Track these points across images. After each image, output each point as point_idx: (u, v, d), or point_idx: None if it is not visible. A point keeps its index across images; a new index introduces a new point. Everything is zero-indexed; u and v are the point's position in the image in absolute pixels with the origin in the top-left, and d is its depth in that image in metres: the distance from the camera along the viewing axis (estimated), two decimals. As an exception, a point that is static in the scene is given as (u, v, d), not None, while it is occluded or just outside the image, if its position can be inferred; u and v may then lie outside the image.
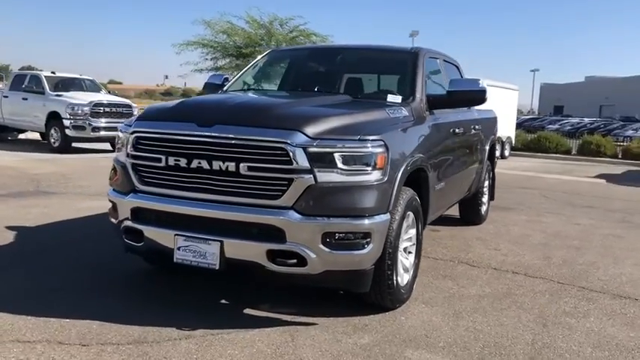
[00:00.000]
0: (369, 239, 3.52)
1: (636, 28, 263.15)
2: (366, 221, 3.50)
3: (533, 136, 22.77)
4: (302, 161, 3.38)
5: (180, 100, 4.32)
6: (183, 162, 3.60)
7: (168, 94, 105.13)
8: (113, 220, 4.07)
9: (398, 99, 4.55)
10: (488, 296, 4.49)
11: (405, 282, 4.11)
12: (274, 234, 3.44)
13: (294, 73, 5.77)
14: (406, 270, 4.16)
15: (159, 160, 3.69)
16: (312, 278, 3.57)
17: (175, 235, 3.64)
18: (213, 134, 3.52)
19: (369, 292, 3.84)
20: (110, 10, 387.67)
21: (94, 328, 3.50)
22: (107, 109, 14.43)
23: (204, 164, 3.53)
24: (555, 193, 11.13)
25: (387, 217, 3.63)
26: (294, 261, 3.46)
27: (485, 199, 7.43)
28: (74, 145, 14.57)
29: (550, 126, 43.45)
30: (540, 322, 3.98)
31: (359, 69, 5.71)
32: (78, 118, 13.93)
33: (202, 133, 3.55)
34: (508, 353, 3.44)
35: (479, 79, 4.80)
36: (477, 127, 6.31)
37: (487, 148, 7.01)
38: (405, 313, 4.01)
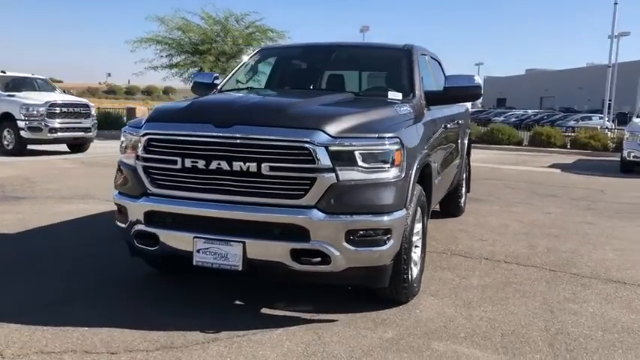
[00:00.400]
0: (389, 235, 3.58)
1: (573, 22, 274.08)
2: (386, 218, 3.56)
3: (487, 129, 23.40)
4: (324, 160, 3.39)
5: (190, 100, 4.24)
6: (201, 163, 3.55)
7: (112, 92, 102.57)
8: (121, 224, 3.96)
9: (398, 96, 4.61)
10: (490, 286, 4.63)
11: (414, 275, 4.19)
12: (298, 233, 3.45)
13: (289, 71, 5.76)
14: (415, 264, 4.24)
15: (174, 162, 3.62)
16: (334, 276, 3.60)
17: (194, 237, 3.59)
18: (232, 135, 3.49)
19: (387, 287, 3.90)
20: (44, 7, 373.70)
21: (115, 335, 3.41)
22: (64, 109, 13.93)
23: (224, 165, 3.50)
24: (518, 183, 11.51)
25: (404, 212, 3.70)
26: (319, 259, 3.48)
27: (463, 191, 7.63)
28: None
29: (496, 118, 44.82)
30: (547, 308, 4.14)
31: (354, 66, 5.75)
32: (33, 119, 13.37)
33: (221, 134, 3.51)
34: (527, 340, 3.57)
35: (474, 75, 4.93)
36: (460, 121, 6.47)
37: (466, 141, 7.20)
38: (417, 306, 4.09)
